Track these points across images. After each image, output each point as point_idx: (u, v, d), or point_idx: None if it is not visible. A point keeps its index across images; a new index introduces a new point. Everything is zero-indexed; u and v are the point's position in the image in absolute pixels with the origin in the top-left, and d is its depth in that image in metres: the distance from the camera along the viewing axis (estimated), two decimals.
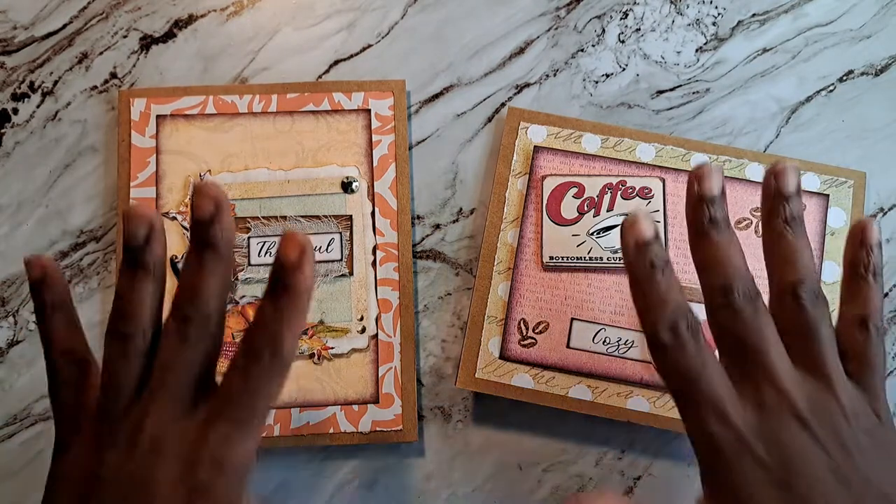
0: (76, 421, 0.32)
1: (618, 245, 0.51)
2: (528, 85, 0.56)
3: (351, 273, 0.52)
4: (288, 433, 0.50)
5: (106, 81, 0.55)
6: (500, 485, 0.51)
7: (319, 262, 0.52)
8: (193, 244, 0.31)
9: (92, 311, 0.52)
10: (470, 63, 0.56)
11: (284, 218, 0.52)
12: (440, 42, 0.56)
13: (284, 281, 0.29)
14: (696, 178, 0.35)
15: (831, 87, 0.56)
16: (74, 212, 0.54)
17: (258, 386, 0.30)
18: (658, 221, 0.51)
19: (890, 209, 0.55)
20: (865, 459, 0.31)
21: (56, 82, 0.55)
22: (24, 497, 0.50)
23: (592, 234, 0.51)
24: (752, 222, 0.51)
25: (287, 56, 0.56)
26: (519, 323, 0.50)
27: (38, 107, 0.55)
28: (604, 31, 0.57)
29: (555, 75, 0.56)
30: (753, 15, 0.57)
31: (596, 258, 0.51)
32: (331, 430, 0.50)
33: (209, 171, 0.52)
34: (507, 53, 0.56)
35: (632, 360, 0.50)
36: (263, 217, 0.52)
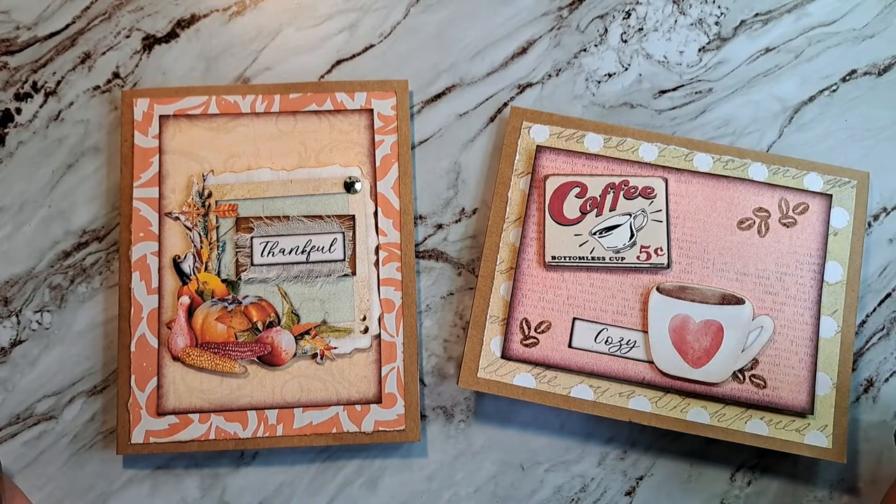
0: None
1: (619, 245, 0.51)
2: (530, 85, 0.56)
3: (353, 273, 0.52)
4: (291, 433, 0.50)
5: (108, 81, 0.56)
6: (502, 484, 0.51)
7: (322, 262, 0.52)
8: None
9: (95, 311, 0.53)
10: (472, 63, 0.56)
11: (287, 218, 0.52)
12: (442, 42, 0.56)
13: None
14: None
15: (834, 87, 0.56)
16: (77, 212, 0.54)
17: None
18: (660, 222, 0.51)
19: (893, 209, 0.54)
20: None
21: (59, 82, 0.55)
22: (28, 496, 0.50)
23: (595, 233, 0.51)
24: (754, 222, 0.51)
25: (289, 56, 0.56)
26: (521, 323, 0.50)
27: (40, 107, 0.55)
28: (606, 30, 0.57)
29: (557, 75, 0.56)
30: (756, 14, 0.57)
31: (598, 258, 0.51)
32: (333, 430, 0.50)
33: (212, 171, 0.53)
34: (509, 53, 0.56)
35: (634, 359, 0.50)
36: (266, 217, 0.52)
